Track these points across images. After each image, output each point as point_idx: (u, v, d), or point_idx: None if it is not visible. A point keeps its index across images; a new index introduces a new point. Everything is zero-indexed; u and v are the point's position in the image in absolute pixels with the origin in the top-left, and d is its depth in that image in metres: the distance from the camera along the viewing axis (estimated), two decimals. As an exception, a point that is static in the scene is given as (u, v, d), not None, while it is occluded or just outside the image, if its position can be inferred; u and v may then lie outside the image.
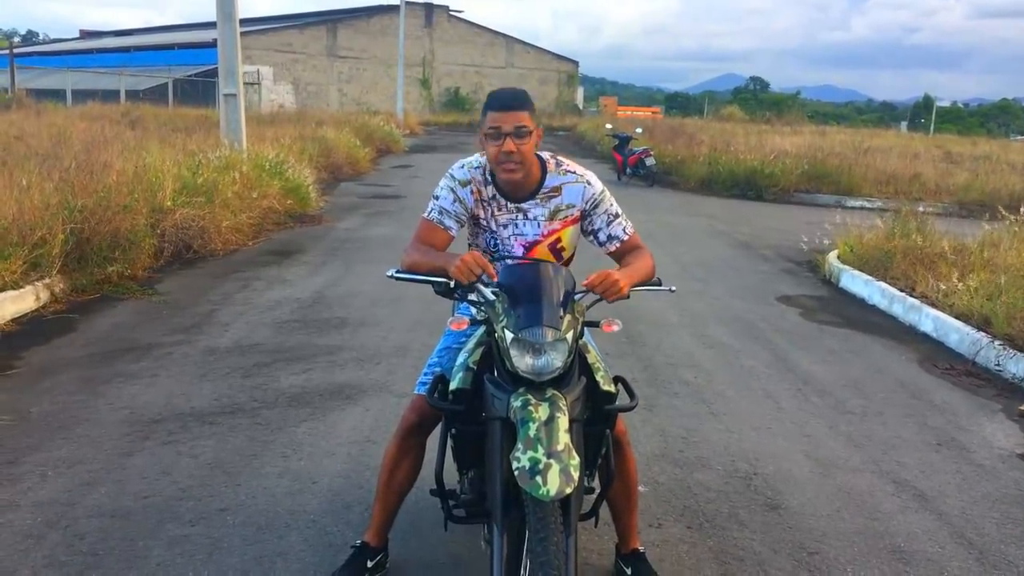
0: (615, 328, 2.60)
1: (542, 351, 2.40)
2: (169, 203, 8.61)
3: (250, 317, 6.61)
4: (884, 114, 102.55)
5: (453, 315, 3.35)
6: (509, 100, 2.79)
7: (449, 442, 2.79)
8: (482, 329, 2.79)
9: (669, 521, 3.66)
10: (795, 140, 23.21)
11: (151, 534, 3.39)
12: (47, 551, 3.23)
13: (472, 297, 2.71)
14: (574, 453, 2.29)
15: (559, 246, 2.99)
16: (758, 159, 17.75)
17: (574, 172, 2.99)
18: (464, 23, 53.47)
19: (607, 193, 3.03)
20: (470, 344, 2.79)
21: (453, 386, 2.66)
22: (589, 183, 2.98)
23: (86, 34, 68.64)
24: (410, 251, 2.89)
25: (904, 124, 67.03)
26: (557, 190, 2.95)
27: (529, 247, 2.97)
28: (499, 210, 2.97)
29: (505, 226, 2.97)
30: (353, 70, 47.19)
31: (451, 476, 2.81)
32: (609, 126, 23.19)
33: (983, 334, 6.24)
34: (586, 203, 2.98)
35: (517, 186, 2.91)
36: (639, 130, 21.61)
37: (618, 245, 3.02)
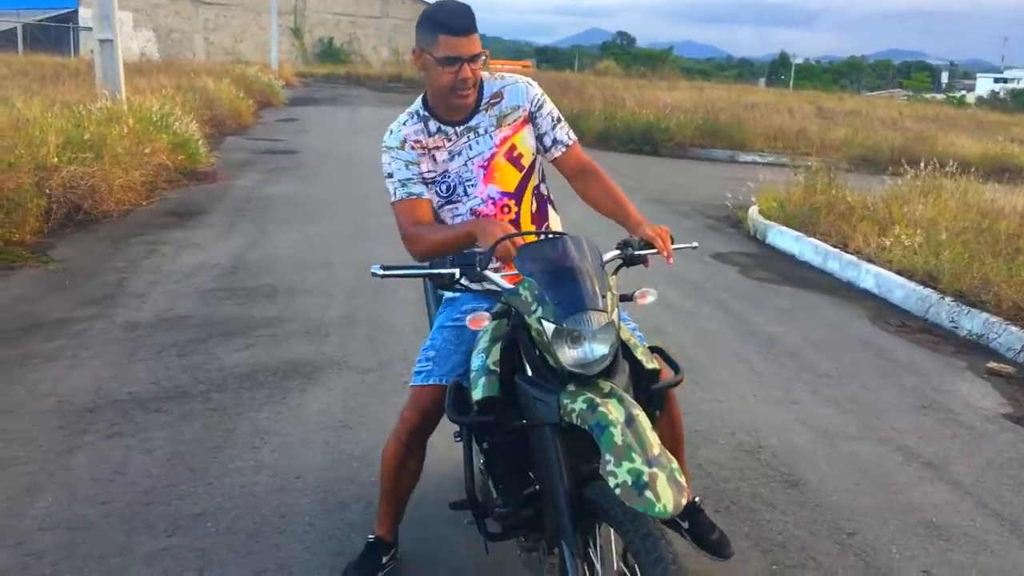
0: (650, 299, 2.31)
1: (590, 339, 2.05)
2: (55, 159, 7.76)
3: (167, 286, 5.99)
4: (743, 70, 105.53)
5: (429, 303, 3.02)
6: (465, 23, 2.50)
7: (477, 456, 2.45)
8: (494, 323, 2.35)
9: (694, 504, 3.41)
10: (676, 95, 23.34)
11: (122, 549, 2.91)
12: (0, 578, 2.72)
13: (474, 287, 2.36)
14: (670, 455, 1.95)
15: (516, 153, 2.73)
16: (653, 114, 17.74)
17: (511, 75, 2.81)
18: (335, -30, 51.51)
19: (547, 97, 2.83)
20: (483, 342, 2.36)
21: (477, 395, 2.23)
22: (530, 83, 2.79)
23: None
24: (418, 237, 2.58)
25: (763, 80, 69.08)
26: (498, 95, 2.73)
27: (487, 165, 2.69)
28: (448, 140, 2.68)
29: (459, 153, 2.68)
30: (220, 17, 44.75)
31: (453, 481, 2.46)
32: (497, 79, 22.78)
33: (931, 291, 6.24)
34: (531, 103, 2.76)
35: (463, 107, 2.65)
36: (529, 83, 21.27)
37: (563, 151, 2.81)
